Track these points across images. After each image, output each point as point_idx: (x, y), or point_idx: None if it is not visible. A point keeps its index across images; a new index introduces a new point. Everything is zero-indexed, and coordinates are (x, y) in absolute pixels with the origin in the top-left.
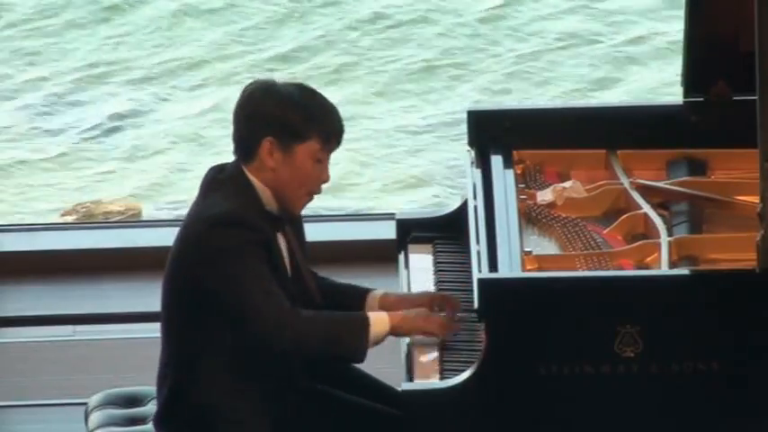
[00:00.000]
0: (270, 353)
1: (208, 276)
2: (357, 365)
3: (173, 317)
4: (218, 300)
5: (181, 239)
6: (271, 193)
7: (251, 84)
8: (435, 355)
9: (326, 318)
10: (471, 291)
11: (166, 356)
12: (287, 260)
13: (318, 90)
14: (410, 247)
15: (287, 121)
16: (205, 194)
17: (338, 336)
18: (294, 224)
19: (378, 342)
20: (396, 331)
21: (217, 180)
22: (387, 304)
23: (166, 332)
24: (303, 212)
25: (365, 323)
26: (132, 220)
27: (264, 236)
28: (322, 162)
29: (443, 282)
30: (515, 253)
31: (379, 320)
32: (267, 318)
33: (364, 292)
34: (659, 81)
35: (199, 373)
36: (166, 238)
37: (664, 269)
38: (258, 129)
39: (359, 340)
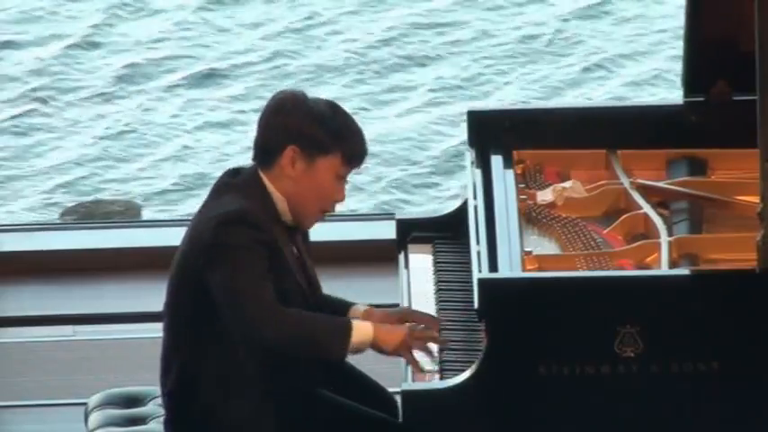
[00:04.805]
0: (251, 346)
1: (205, 271)
2: (358, 368)
3: (177, 316)
4: (211, 292)
5: (188, 239)
6: (287, 204)
7: (280, 93)
8: (435, 355)
9: (311, 318)
10: (471, 291)
11: (169, 355)
12: (296, 268)
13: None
14: (410, 247)
15: (314, 133)
16: (216, 196)
17: (319, 337)
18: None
19: (359, 351)
20: (379, 346)
21: (230, 183)
22: (369, 319)
23: (170, 332)
24: None
25: (348, 328)
26: (132, 220)
27: (269, 236)
28: (341, 180)
29: (443, 282)
30: (515, 253)
31: (362, 329)
32: (249, 312)
33: (348, 305)
34: None
35: (203, 375)
36: (166, 238)
37: (664, 269)
38: (284, 137)
39: (339, 344)
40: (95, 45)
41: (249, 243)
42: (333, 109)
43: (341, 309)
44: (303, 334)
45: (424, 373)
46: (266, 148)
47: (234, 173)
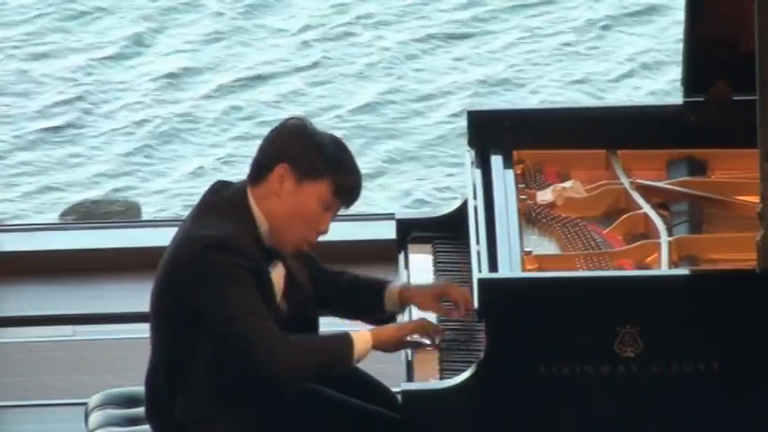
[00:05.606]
0: (260, 379)
1: (199, 300)
2: (360, 368)
3: (163, 331)
4: (209, 325)
5: (173, 256)
6: (268, 226)
7: (289, 119)
8: (435, 355)
9: (314, 342)
10: (471, 291)
11: (154, 364)
12: (280, 291)
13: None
14: (410, 247)
15: (308, 158)
16: (202, 213)
17: (326, 359)
18: None
19: (360, 360)
20: (379, 348)
21: (216, 200)
22: (406, 298)
23: (154, 344)
24: None
25: (350, 344)
26: (132, 220)
27: (255, 263)
28: (327, 210)
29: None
30: (515, 253)
31: (362, 340)
32: (257, 347)
33: (382, 288)
34: None
35: (183, 390)
36: (166, 238)
37: (664, 269)
38: (278, 155)
39: (346, 362)
40: None
41: (238, 271)
42: (335, 142)
43: (375, 292)
44: (312, 359)
45: (424, 346)
46: (260, 164)
47: (223, 186)
